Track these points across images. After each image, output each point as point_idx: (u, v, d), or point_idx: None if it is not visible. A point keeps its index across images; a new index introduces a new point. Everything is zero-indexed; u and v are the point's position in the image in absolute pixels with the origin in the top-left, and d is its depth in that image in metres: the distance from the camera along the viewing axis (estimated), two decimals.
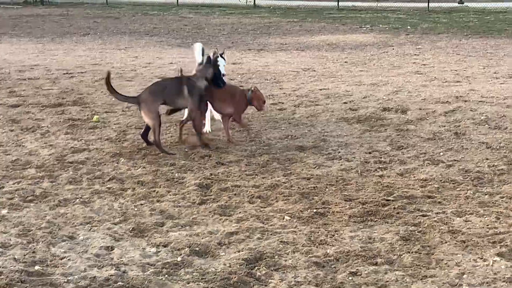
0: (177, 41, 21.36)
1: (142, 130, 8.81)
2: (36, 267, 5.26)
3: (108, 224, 6.15)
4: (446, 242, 5.69)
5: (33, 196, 6.86)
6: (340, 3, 36.75)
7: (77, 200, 6.76)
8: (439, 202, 6.64)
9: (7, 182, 7.30)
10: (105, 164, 7.97)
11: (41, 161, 8.07)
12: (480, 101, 11.12)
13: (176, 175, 7.56)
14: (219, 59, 9.12)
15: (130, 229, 6.04)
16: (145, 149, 8.56)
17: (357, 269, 5.23)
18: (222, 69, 9.13)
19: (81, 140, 9.04)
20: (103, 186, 7.18)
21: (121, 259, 5.42)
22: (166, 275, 5.16)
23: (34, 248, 5.61)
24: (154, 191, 7.05)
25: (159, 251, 5.58)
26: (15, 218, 6.27)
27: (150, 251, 5.58)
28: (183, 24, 27.20)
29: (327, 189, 7.06)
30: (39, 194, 6.91)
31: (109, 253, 5.54)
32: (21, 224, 6.12)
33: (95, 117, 10.18)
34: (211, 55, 8.89)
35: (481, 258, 5.37)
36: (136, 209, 6.54)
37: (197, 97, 8.63)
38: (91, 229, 6.05)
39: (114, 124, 9.90)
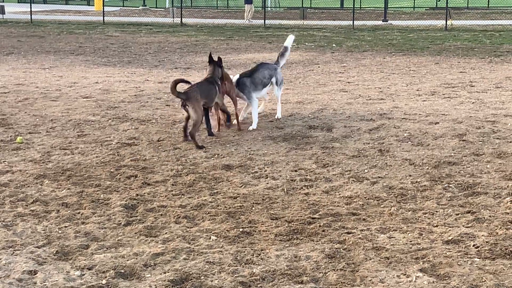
0: (103, 60, 21.20)
1: (184, 123, 9.99)
2: None
3: (31, 247, 6.04)
4: (370, 259, 5.76)
5: None
6: (267, 21, 37.03)
7: (0, 223, 6.63)
8: (364, 219, 6.73)
9: None
10: (28, 186, 7.84)
11: None
12: (403, 118, 11.33)
13: (101, 196, 7.49)
14: None
15: (54, 252, 5.94)
16: (70, 170, 8.46)
17: None
18: None
19: (4, 162, 8.87)
20: (26, 209, 7.05)
21: (45, 284, 5.33)
22: None
23: None
24: (79, 213, 6.96)
25: (84, 274, 5.51)
26: None
27: (74, 275, 5.50)
28: (109, 43, 27.03)
29: (253, 208, 7.08)
30: None
31: (32, 278, 5.44)
32: None
33: (19, 138, 10.01)
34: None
35: (404, 274, 5.46)
36: (60, 231, 6.44)
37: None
38: (13, 253, 5.93)
39: (38, 145, 9.75)
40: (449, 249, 5.96)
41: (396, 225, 6.54)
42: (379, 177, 8.14)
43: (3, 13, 41.07)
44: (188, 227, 6.55)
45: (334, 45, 26.00)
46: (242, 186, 7.86)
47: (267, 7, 47.76)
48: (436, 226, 6.52)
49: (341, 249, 5.97)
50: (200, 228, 6.51)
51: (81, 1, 62.52)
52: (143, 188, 7.77)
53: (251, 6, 41.54)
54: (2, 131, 10.62)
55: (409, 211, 6.95)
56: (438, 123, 10.94)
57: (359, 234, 6.30)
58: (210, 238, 6.26)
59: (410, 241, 6.14)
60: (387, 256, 5.81)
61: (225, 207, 7.11)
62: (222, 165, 8.68)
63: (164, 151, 9.37)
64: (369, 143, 9.73)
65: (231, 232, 6.38)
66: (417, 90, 14.58)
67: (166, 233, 6.40)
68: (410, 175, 8.18)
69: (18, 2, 57.14)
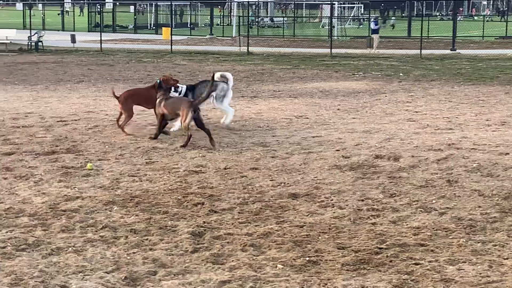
0: None
1: None
2: None
3: (100, 273, 6.13)
4: None
5: (26, 245, 6.83)
6: (333, 50, 37.03)
7: (70, 248, 6.74)
8: (432, 250, 6.65)
9: (0, 231, 7.28)
10: (98, 212, 7.96)
11: (34, 209, 8.05)
12: (472, 149, 11.19)
13: (169, 223, 7.56)
14: None
15: (123, 278, 6.02)
16: (138, 196, 8.57)
17: None
18: None
19: (74, 188, 9.04)
20: (95, 234, 7.17)
21: None
22: None
23: None
24: (147, 239, 7.04)
25: None
26: (8, 267, 6.25)
27: None
28: (177, 71, 27.33)
29: (320, 237, 7.06)
30: (32, 243, 6.89)
31: None
32: (13, 273, 6.10)
33: (89, 164, 10.19)
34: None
35: None
36: (128, 257, 6.53)
37: None
38: (83, 278, 6.03)
39: (107, 171, 9.91)
40: None
41: (465, 257, 6.45)
42: (448, 207, 8.05)
43: (74, 42, 41.92)
44: (254, 255, 6.56)
45: (401, 74, 25.85)
46: (308, 215, 7.85)
47: (334, 36, 47.77)
48: (507, 258, 6.41)
49: (409, 280, 5.92)
50: (267, 257, 6.52)
51: (150, 30, 63.47)
52: (210, 216, 7.82)
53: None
54: (72, 157, 10.82)
55: (479, 242, 6.84)
56: (508, 153, 10.78)
57: (427, 265, 6.23)
58: (276, 266, 6.26)
59: (480, 274, 6.05)
60: None
61: (291, 235, 7.11)
62: (288, 194, 8.68)
63: (230, 179, 9.42)
64: (437, 173, 9.62)
65: (297, 261, 6.38)
66: (487, 120, 14.40)
67: (232, 260, 6.43)
68: (479, 206, 8.06)
69: (89, 31, 58.33)
